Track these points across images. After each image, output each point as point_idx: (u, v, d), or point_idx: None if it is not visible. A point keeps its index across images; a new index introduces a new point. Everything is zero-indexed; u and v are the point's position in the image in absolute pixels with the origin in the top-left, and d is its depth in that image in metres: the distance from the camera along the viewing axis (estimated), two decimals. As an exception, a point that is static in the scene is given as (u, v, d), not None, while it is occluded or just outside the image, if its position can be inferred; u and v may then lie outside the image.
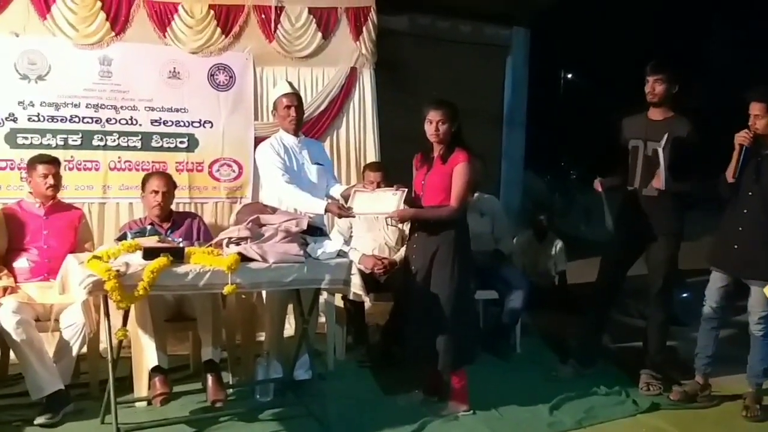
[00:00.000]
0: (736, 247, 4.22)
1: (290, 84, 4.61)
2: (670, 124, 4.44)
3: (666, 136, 4.34)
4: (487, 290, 5.16)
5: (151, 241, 3.67)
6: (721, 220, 4.36)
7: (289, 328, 4.72)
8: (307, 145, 4.55)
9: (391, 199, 4.03)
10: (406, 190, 4.05)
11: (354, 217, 4.28)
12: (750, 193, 4.20)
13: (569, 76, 19.31)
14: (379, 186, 4.79)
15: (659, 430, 4.06)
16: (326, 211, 4.15)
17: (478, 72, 7.35)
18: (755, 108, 4.11)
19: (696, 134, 4.40)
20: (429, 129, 4.01)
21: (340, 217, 4.28)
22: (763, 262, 4.14)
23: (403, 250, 5.05)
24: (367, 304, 4.86)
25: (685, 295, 5.78)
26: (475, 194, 5.32)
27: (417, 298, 4.04)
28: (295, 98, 4.45)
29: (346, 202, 4.23)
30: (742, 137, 4.15)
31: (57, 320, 3.98)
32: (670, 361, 4.83)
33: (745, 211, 4.22)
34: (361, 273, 4.65)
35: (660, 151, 4.31)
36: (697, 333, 4.52)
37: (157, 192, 4.41)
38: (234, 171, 5.40)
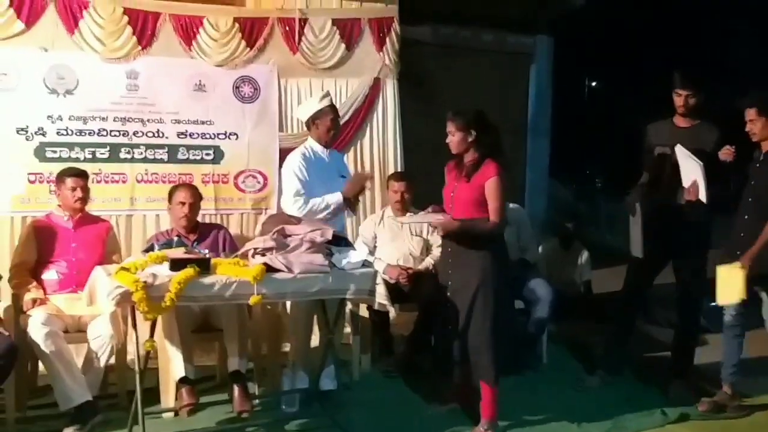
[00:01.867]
0: (738, 253, 4.18)
1: (330, 96, 4.67)
2: (699, 131, 4.41)
3: (695, 146, 4.29)
4: (513, 300, 5.13)
5: (178, 253, 3.70)
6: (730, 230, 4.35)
7: (315, 339, 4.72)
8: (333, 157, 4.58)
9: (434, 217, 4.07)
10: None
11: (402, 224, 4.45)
12: (750, 199, 4.21)
13: (594, 83, 19.20)
14: (403, 197, 4.89)
15: (689, 441, 4.02)
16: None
17: (501, 81, 7.34)
18: (750, 114, 4.17)
19: (722, 140, 4.36)
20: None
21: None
22: (765, 268, 4.08)
23: (428, 259, 5.06)
24: (392, 314, 4.86)
25: (714, 303, 5.70)
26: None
27: (457, 312, 3.93)
28: (335, 111, 4.55)
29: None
30: (725, 154, 4.22)
31: (85, 332, 4.02)
32: (700, 372, 4.77)
33: (745, 217, 4.22)
34: (386, 283, 4.66)
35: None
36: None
37: (183, 203, 4.45)
38: (259, 182, 5.43)
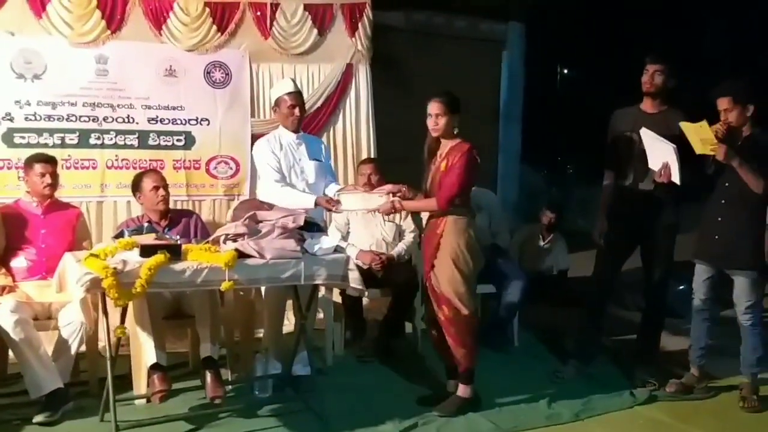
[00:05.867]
0: (716, 237, 4.23)
1: (293, 81, 4.62)
2: (666, 117, 4.41)
3: (662, 132, 4.27)
4: (485, 284, 5.17)
5: (148, 239, 3.68)
6: (702, 212, 4.37)
7: (288, 324, 4.73)
8: (305, 141, 4.57)
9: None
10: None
11: (340, 212, 4.48)
12: (726, 184, 4.19)
13: (566, 70, 19.28)
14: (370, 179, 4.89)
15: (657, 421, 4.08)
16: (316, 204, 4.21)
17: (474, 67, 7.35)
18: (723, 103, 4.12)
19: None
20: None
21: (329, 210, 4.37)
22: (743, 252, 4.15)
23: (400, 245, 5.08)
24: (366, 299, 4.88)
25: (681, 287, 5.78)
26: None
27: None
28: (298, 97, 4.50)
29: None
30: (719, 130, 4.14)
31: (55, 319, 3.99)
32: (668, 354, 4.84)
33: (722, 201, 4.22)
34: (359, 268, 4.68)
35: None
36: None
37: (158, 187, 4.42)
38: (231, 168, 5.41)
